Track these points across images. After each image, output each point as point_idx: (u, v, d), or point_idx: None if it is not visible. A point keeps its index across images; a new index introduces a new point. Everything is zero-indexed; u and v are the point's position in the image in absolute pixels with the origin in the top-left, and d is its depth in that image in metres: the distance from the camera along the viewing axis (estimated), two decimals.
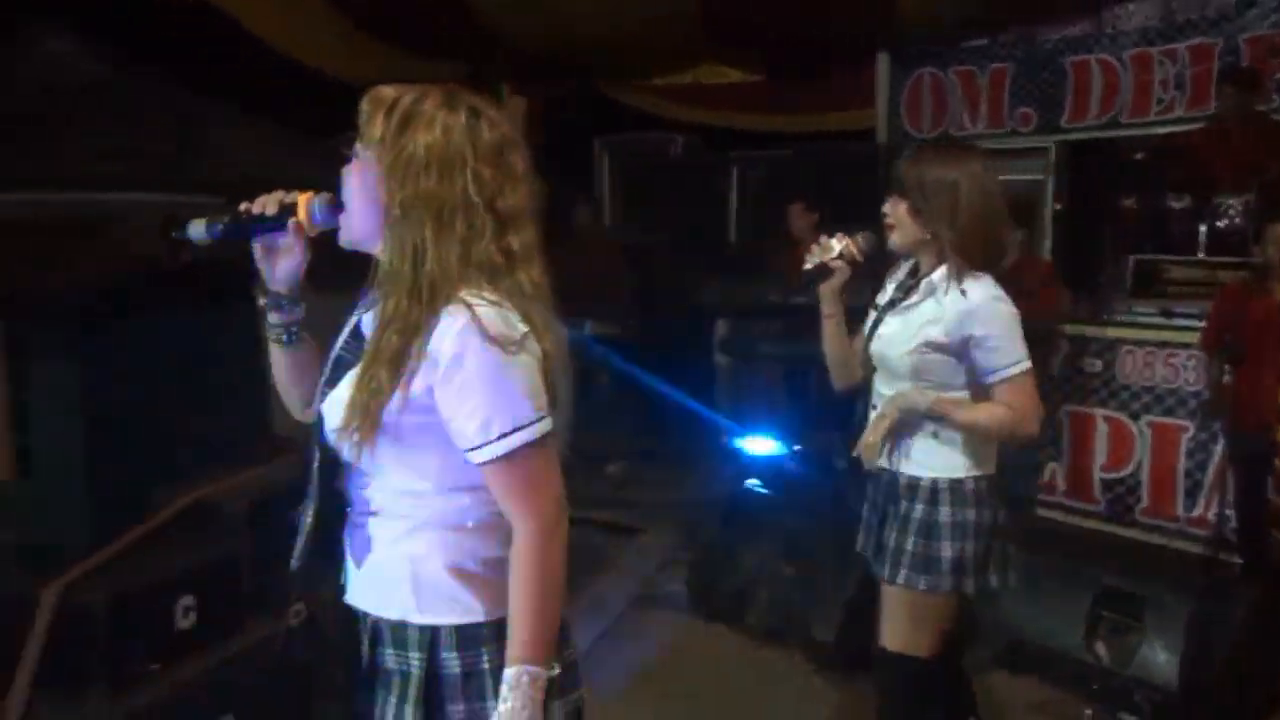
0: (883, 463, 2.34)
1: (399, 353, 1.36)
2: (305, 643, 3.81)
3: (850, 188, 5.85)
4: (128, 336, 3.94)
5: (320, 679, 3.90)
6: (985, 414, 2.29)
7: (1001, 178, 5.82)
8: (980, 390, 2.30)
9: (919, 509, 2.32)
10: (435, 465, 1.42)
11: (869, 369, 2.45)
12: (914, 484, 2.34)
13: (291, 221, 1.46)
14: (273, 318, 1.56)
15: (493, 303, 1.37)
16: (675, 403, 6.37)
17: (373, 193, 1.40)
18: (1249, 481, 4.10)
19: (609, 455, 5.96)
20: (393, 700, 1.48)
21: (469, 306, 1.35)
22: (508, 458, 1.36)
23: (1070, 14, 6.40)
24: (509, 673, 1.37)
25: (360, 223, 1.44)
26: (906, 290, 2.39)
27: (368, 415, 1.37)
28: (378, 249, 1.44)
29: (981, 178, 2.31)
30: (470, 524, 1.45)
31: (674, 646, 3.76)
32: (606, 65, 7.61)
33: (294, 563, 1.57)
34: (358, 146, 1.42)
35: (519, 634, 1.38)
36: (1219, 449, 4.44)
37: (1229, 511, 4.40)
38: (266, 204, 1.48)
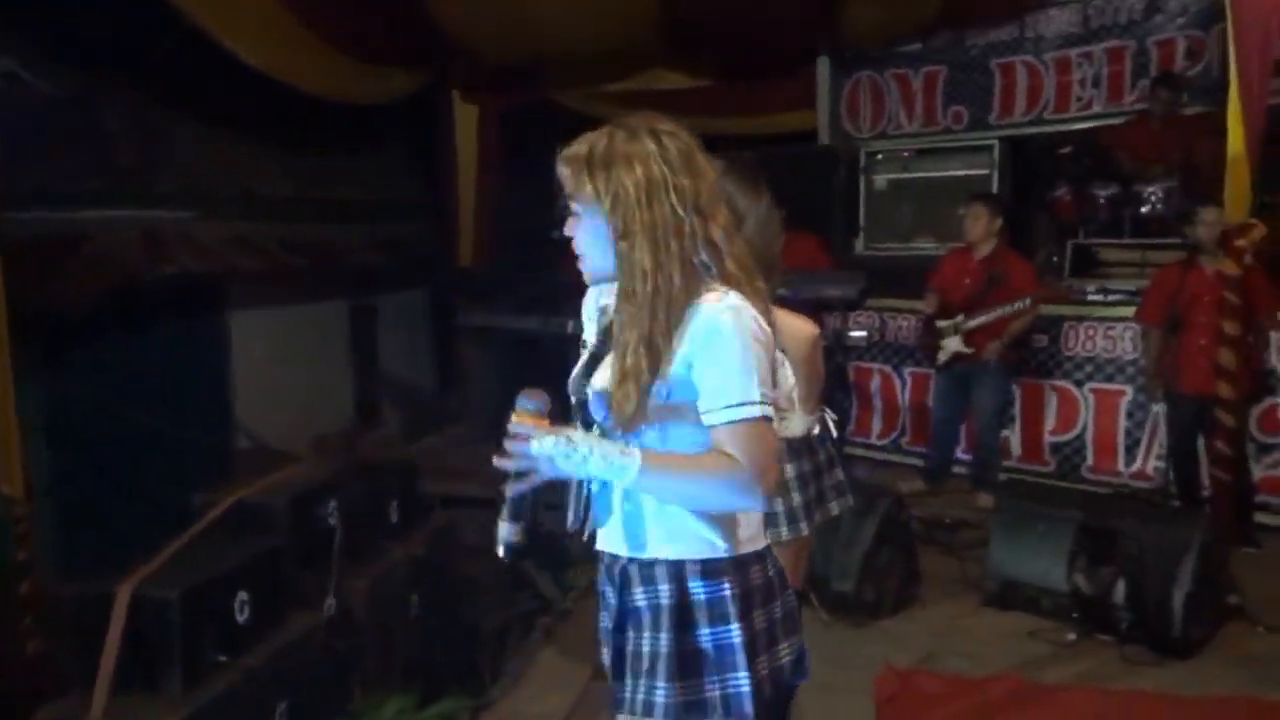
0: None
1: (646, 354, 1.58)
2: (341, 633, 4.07)
3: (806, 188, 6.29)
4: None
5: (355, 667, 4.15)
6: None
7: (952, 173, 6.34)
8: None
9: None
10: (690, 433, 1.63)
11: None
12: None
13: (528, 421, 1.62)
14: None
15: (724, 298, 1.60)
16: None
17: (601, 236, 1.62)
18: (1184, 435, 4.64)
19: None
20: (646, 634, 1.68)
21: (720, 299, 1.59)
22: (737, 426, 1.57)
23: (996, 20, 6.94)
24: (630, 446, 1.58)
25: (597, 263, 1.68)
26: None
27: (627, 406, 1.59)
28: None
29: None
30: None
31: None
32: (560, 73, 7.88)
33: (571, 521, 1.76)
34: (574, 205, 1.66)
35: (666, 459, 1.60)
36: (1156, 410, 4.98)
37: (1164, 463, 4.98)
38: (510, 463, 1.63)
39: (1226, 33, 6.04)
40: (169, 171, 6.19)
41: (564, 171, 1.64)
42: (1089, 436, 5.30)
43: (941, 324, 5.15)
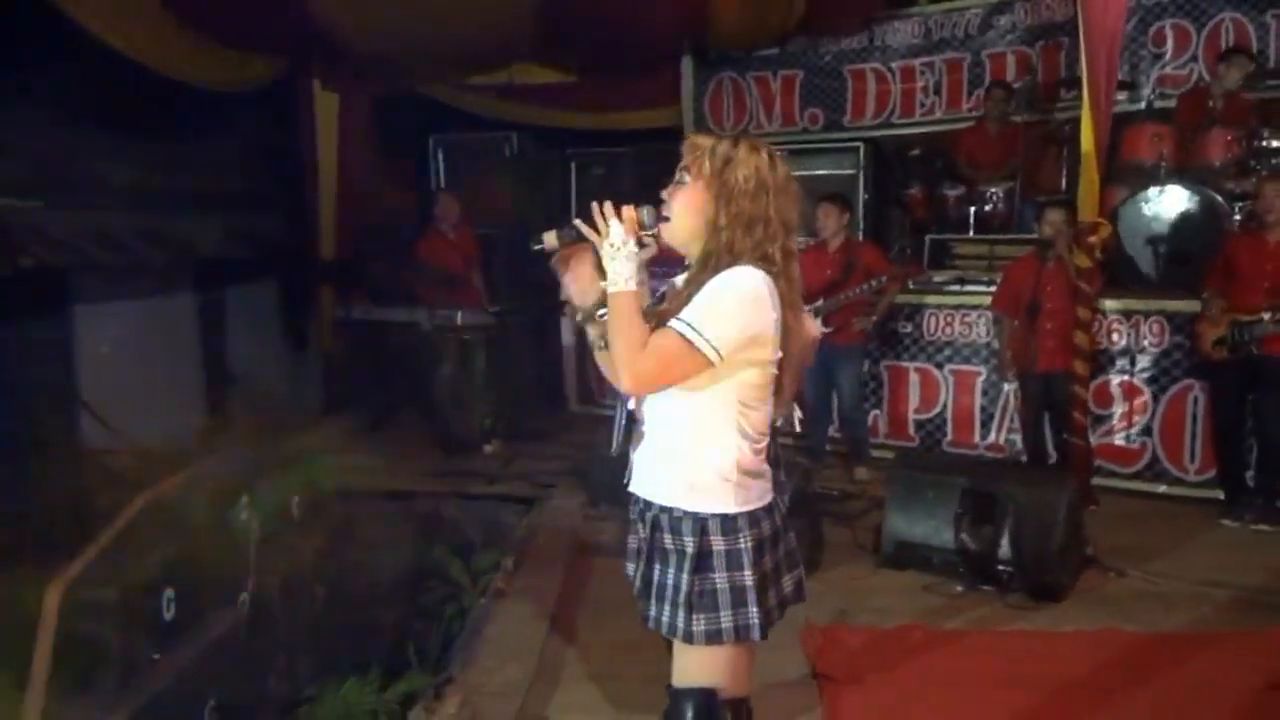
0: None
1: (689, 293, 1.94)
2: (258, 627, 4.05)
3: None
4: None
5: (272, 661, 4.13)
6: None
7: (820, 173, 6.75)
8: None
9: None
10: (712, 389, 1.95)
11: None
12: None
13: (628, 220, 1.94)
14: (592, 332, 2.06)
15: (750, 268, 1.92)
16: (529, 382, 6.83)
17: (699, 210, 1.95)
18: (1035, 409, 5.21)
19: (479, 438, 6.31)
20: (670, 570, 2.01)
21: (748, 266, 1.92)
22: (669, 332, 1.89)
23: (848, 29, 7.45)
24: (632, 282, 1.91)
25: (684, 228, 1.99)
26: None
27: (666, 338, 1.91)
28: (687, 248, 2.01)
29: None
30: (734, 437, 1.97)
31: None
32: (426, 64, 7.82)
33: (614, 447, 2.11)
34: (685, 177, 1.98)
35: (626, 310, 1.91)
36: (1008, 388, 5.55)
37: (1015, 435, 5.56)
38: (604, 215, 1.95)
39: (1049, 48, 6.83)
40: (13, 158, 5.80)
41: (688, 152, 1.98)
42: (949, 413, 5.84)
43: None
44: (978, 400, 5.75)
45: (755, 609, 1.96)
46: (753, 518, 1.98)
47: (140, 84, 6.21)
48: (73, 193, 6.22)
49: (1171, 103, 6.22)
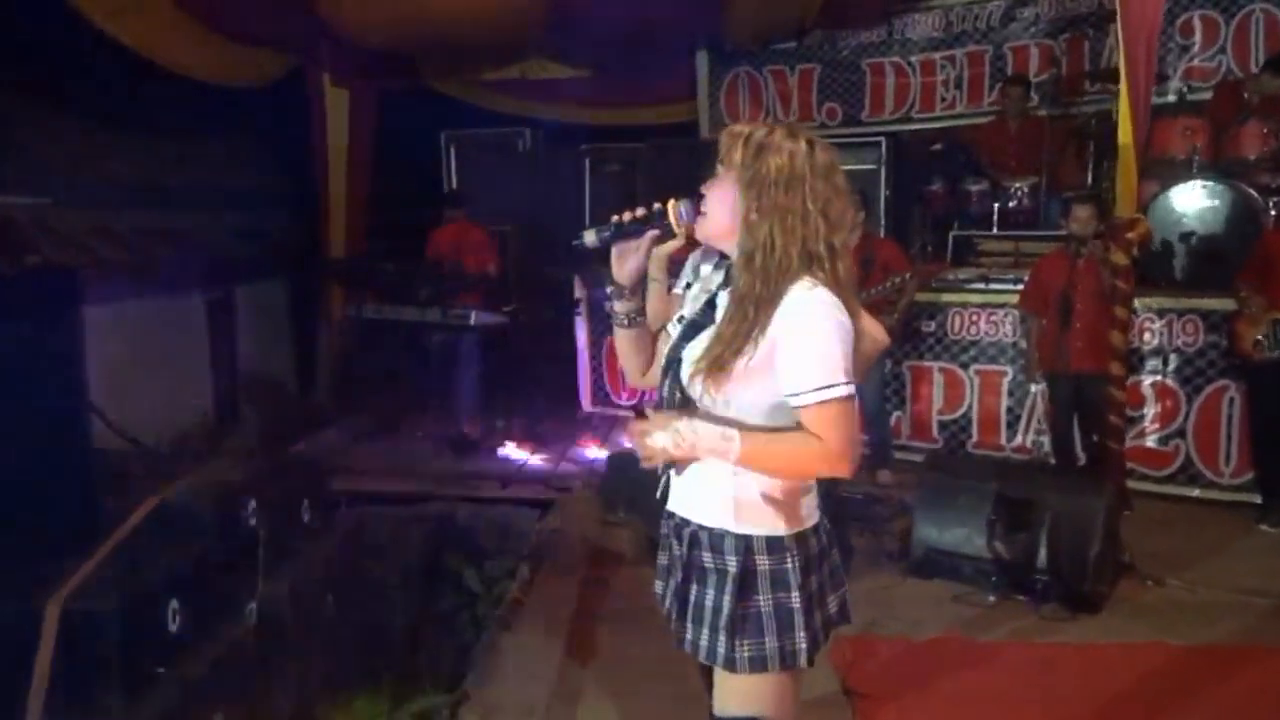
0: None
1: (751, 319, 1.74)
2: (267, 637, 3.93)
3: (693, 179, 6.41)
4: None
5: (281, 673, 4.01)
6: None
7: (843, 167, 6.64)
8: None
9: None
10: (765, 405, 1.79)
11: None
12: None
13: (671, 215, 1.85)
14: (619, 306, 1.97)
15: (825, 285, 1.75)
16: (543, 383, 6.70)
17: (732, 202, 1.78)
18: (1063, 410, 5.05)
19: (493, 440, 6.19)
20: (710, 591, 1.86)
21: (811, 287, 1.73)
22: (820, 407, 1.71)
23: (866, 23, 7.30)
24: (730, 429, 1.74)
25: (717, 223, 1.83)
26: None
27: (719, 364, 1.75)
28: (726, 245, 1.85)
29: None
30: None
31: None
32: (437, 60, 7.71)
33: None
34: (720, 168, 1.82)
35: (758, 440, 1.74)
36: (1035, 389, 5.40)
37: (1043, 437, 5.40)
38: (639, 212, 1.88)
39: (1074, 41, 6.68)
40: (20, 155, 5.71)
41: (724, 141, 1.82)
42: (974, 414, 5.68)
43: None
44: (1004, 401, 5.59)
45: (802, 633, 1.82)
46: (800, 536, 1.85)
47: (149, 80, 6.12)
48: (80, 190, 6.14)
49: (1202, 95, 6.06)
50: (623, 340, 2.02)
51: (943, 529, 4.07)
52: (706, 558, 1.86)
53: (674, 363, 1.88)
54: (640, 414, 2.02)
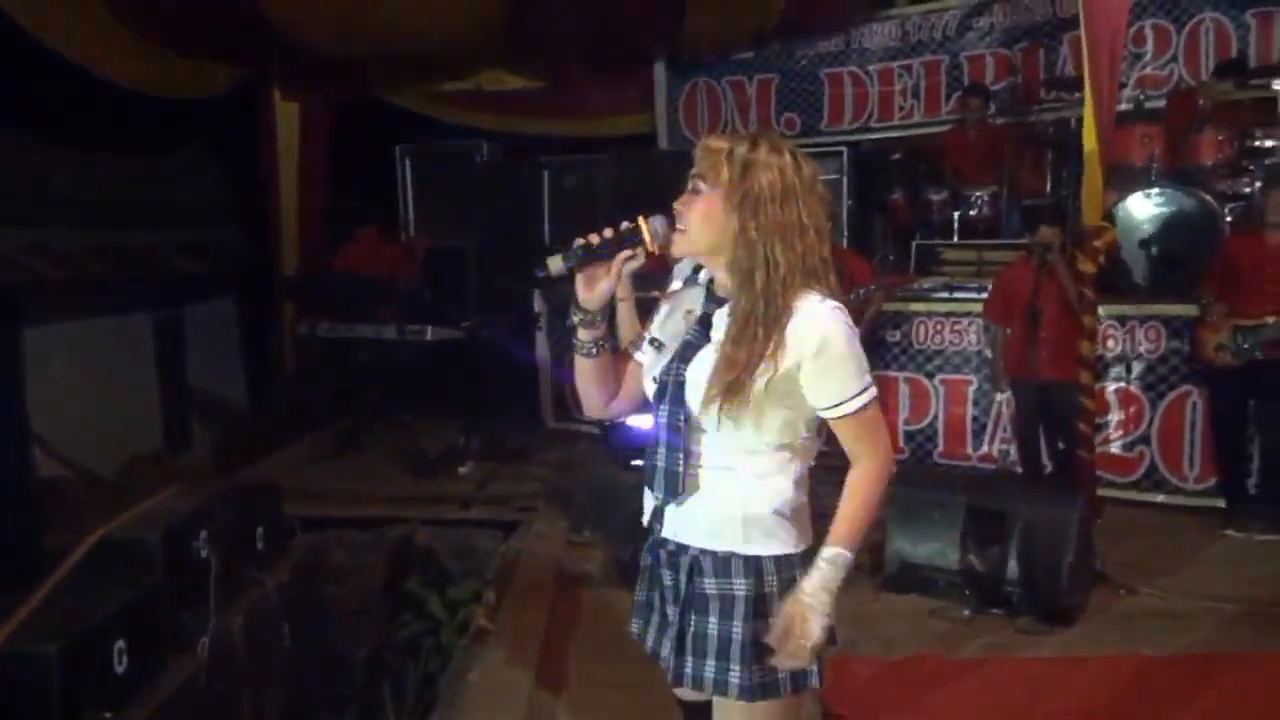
0: None
1: (761, 339, 1.69)
2: (221, 672, 3.76)
3: (653, 192, 6.34)
4: None
5: (236, 709, 3.84)
6: None
7: None
8: None
9: None
10: (778, 427, 1.75)
11: None
12: None
13: (646, 234, 1.76)
14: (584, 334, 1.85)
15: (825, 301, 1.72)
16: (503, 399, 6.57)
17: (718, 220, 1.72)
18: (1029, 419, 5.03)
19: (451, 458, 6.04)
20: (712, 619, 1.79)
21: (821, 302, 1.70)
22: (859, 413, 1.73)
23: (826, 33, 7.29)
24: (829, 550, 1.73)
25: (701, 240, 1.76)
26: None
27: (735, 389, 1.69)
28: (710, 260, 1.80)
29: None
30: (792, 475, 1.79)
31: None
32: (391, 71, 7.57)
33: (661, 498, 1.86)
34: (702, 185, 1.75)
35: (846, 525, 1.75)
36: (1000, 398, 5.38)
37: (1009, 446, 5.39)
38: (606, 233, 1.77)
39: (1030, 50, 6.71)
40: None
41: (703, 156, 1.76)
42: (940, 424, 5.65)
43: None
44: (969, 410, 5.57)
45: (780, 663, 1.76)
46: (807, 553, 1.79)
47: (90, 92, 5.93)
48: (16, 206, 5.93)
49: (1156, 103, 6.11)
50: (586, 370, 1.90)
51: (916, 543, 4.02)
52: (709, 584, 1.79)
53: (670, 386, 1.81)
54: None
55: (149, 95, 6.36)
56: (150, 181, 7.24)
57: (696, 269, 1.91)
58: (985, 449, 5.56)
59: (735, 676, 1.75)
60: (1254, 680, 3.31)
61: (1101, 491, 5.09)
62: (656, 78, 7.83)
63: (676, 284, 1.94)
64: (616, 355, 1.93)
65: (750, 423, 1.73)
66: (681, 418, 1.78)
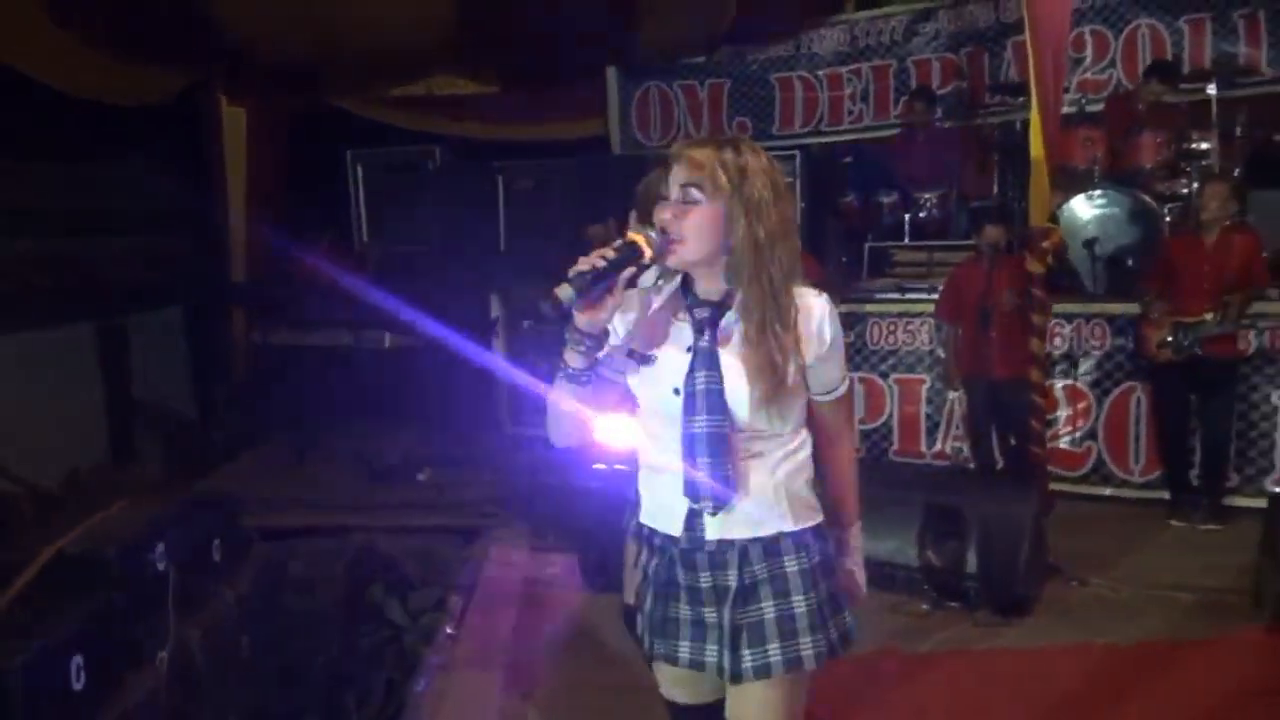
0: None
1: (781, 335, 1.77)
2: (181, 688, 3.71)
3: (606, 196, 6.38)
4: None
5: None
6: None
7: None
8: None
9: None
10: (797, 410, 1.88)
11: None
12: None
13: (645, 248, 1.75)
14: (582, 362, 1.78)
15: (821, 294, 1.86)
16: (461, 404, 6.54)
17: (719, 228, 1.75)
18: (981, 416, 5.15)
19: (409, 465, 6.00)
20: (767, 605, 1.83)
21: (817, 293, 1.85)
22: (846, 395, 1.97)
23: (777, 39, 7.37)
24: (856, 528, 2.02)
25: (700, 250, 1.77)
26: None
27: (779, 388, 1.77)
28: (701, 270, 1.82)
29: None
30: (807, 451, 1.90)
31: None
32: (338, 76, 7.49)
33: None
34: (697, 195, 1.75)
35: (854, 500, 2.02)
36: (953, 396, 5.49)
37: (961, 443, 5.50)
38: (606, 253, 1.72)
39: (975, 54, 6.86)
40: None
41: (692, 169, 1.75)
42: (895, 422, 5.75)
43: None
44: (923, 409, 5.67)
45: (848, 609, 1.92)
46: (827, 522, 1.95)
47: (32, 98, 5.80)
48: None
49: (1097, 107, 6.28)
50: (575, 398, 1.81)
51: (875, 540, 4.06)
52: (760, 569, 1.83)
53: (703, 395, 1.78)
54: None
55: (94, 102, 6.23)
56: (95, 190, 7.08)
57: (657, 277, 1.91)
58: (939, 446, 5.67)
59: (808, 648, 1.81)
60: (1202, 666, 3.42)
61: (1052, 486, 5.22)
62: (609, 82, 7.85)
63: (630, 292, 1.87)
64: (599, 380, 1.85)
65: (780, 412, 1.83)
66: (726, 424, 1.79)
